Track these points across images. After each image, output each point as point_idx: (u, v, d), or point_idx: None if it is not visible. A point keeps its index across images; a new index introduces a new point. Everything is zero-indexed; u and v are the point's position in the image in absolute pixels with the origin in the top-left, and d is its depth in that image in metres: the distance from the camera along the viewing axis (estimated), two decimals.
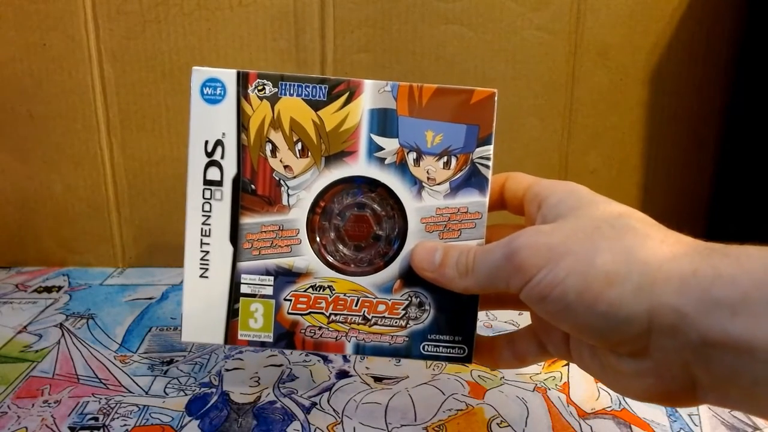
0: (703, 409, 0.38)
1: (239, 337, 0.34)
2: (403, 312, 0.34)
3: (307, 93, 0.33)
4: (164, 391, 0.39)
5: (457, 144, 0.33)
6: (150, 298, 0.52)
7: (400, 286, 0.34)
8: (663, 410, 0.38)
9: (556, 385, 0.40)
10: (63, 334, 0.46)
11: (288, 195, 0.34)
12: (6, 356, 0.43)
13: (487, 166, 0.33)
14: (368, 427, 0.36)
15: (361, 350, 0.34)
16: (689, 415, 0.38)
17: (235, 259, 0.34)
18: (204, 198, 0.34)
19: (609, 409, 0.38)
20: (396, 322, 0.34)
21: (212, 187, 0.34)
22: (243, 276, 0.34)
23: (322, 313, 0.34)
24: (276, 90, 0.33)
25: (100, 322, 0.48)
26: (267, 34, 0.52)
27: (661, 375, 0.25)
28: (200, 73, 0.33)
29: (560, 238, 0.27)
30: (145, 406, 0.37)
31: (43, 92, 0.53)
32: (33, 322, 0.48)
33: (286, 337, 0.34)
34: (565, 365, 0.43)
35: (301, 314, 0.34)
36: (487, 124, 0.33)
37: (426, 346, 0.34)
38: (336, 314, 0.34)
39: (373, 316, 0.34)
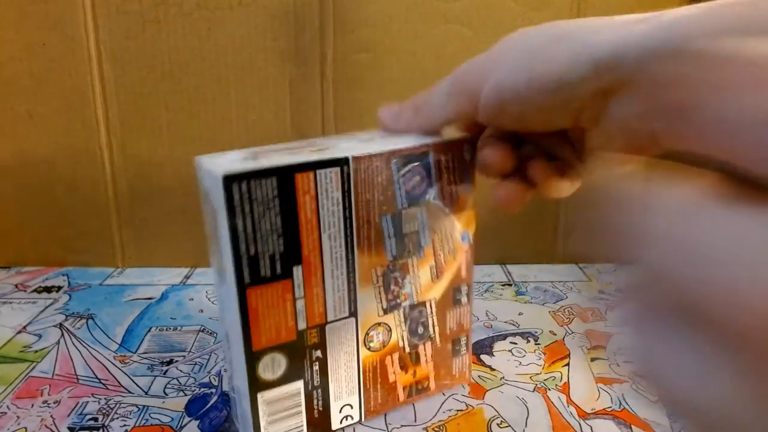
0: None
1: None
2: None
3: None
4: (164, 392, 0.39)
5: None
6: (150, 298, 0.52)
7: None
8: (663, 410, 0.38)
9: (556, 385, 0.40)
10: (62, 334, 0.46)
11: None
12: (5, 356, 0.43)
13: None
14: (368, 427, 0.36)
15: None
16: None
17: None
18: None
19: (609, 409, 0.38)
20: None
21: None
22: None
23: None
24: None
25: (100, 322, 0.48)
26: (267, 34, 0.52)
27: (623, 133, 0.24)
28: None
29: (497, 49, 0.28)
30: (144, 406, 0.37)
31: (43, 92, 0.53)
32: (32, 322, 0.48)
33: None
34: (565, 365, 0.43)
35: None
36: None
37: None
38: None
39: None
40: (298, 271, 0.30)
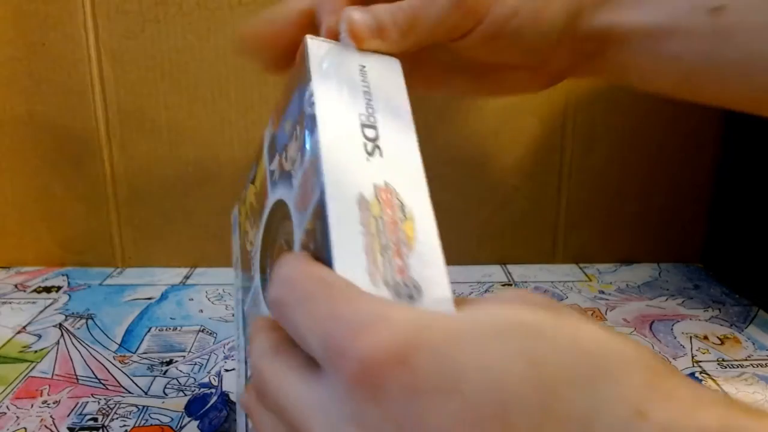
0: None
1: None
2: None
3: None
4: (163, 392, 0.39)
5: (295, 113, 0.27)
6: (149, 298, 0.52)
7: None
8: None
9: None
10: (62, 335, 0.46)
11: None
12: (5, 356, 0.43)
13: (312, 103, 0.25)
14: None
15: None
16: None
17: None
18: None
19: None
20: None
21: None
22: None
23: None
24: None
25: (100, 323, 0.48)
26: None
27: (546, 74, 0.31)
28: None
29: None
30: (144, 406, 0.37)
31: (43, 92, 0.53)
32: (32, 322, 0.48)
33: None
34: None
35: None
36: (303, 73, 0.26)
37: None
38: None
39: None
40: None
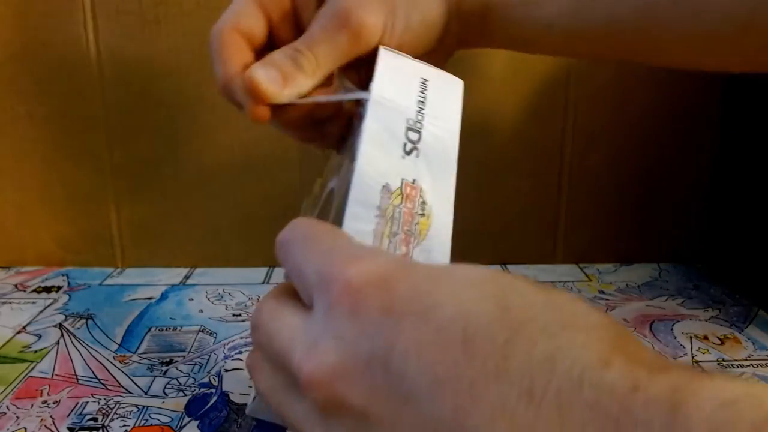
0: None
1: None
2: None
3: None
4: (163, 392, 0.39)
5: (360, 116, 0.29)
6: (149, 298, 0.52)
7: None
8: None
9: None
10: (62, 335, 0.46)
11: None
12: (5, 356, 0.43)
13: (367, 100, 0.27)
14: None
15: None
16: None
17: None
18: None
19: None
20: None
21: None
22: None
23: None
24: None
25: (100, 323, 0.48)
26: None
27: (443, 52, 0.34)
28: None
29: None
30: (144, 406, 0.37)
31: (43, 92, 0.53)
32: (32, 322, 0.48)
33: None
34: None
35: None
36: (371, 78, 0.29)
37: None
38: None
39: None
40: None
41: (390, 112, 0.27)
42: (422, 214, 0.25)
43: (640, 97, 0.56)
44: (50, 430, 0.35)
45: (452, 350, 0.16)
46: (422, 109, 0.28)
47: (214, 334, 0.46)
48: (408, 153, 0.26)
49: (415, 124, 0.27)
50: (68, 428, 0.35)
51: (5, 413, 0.36)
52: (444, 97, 0.29)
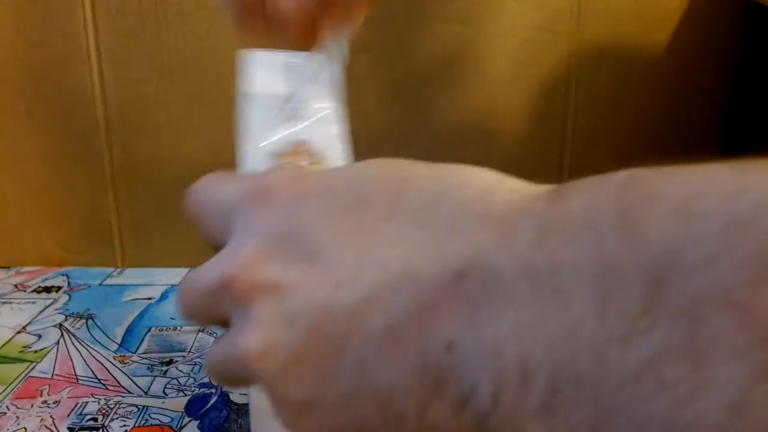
0: None
1: None
2: None
3: None
4: (164, 392, 0.39)
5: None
6: (149, 298, 0.52)
7: None
8: None
9: None
10: (62, 335, 0.46)
11: None
12: (5, 356, 0.43)
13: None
14: None
15: None
16: None
17: None
18: None
19: None
20: None
21: None
22: None
23: None
24: None
25: (100, 323, 0.48)
26: None
27: None
28: None
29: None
30: (144, 406, 0.37)
31: (43, 92, 0.53)
32: (32, 322, 0.48)
33: None
34: None
35: None
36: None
37: None
38: None
39: None
40: None
41: (266, 91, 0.31)
42: (316, 162, 0.29)
43: (640, 97, 0.56)
44: (50, 430, 0.35)
45: (349, 205, 0.18)
46: (297, 86, 0.32)
47: (214, 334, 0.46)
48: (287, 120, 0.31)
49: (290, 99, 0.31)
50: (68, 428, 0.35)
51: (5, 413, 0.36)
52: (311, 71, 0.33)
